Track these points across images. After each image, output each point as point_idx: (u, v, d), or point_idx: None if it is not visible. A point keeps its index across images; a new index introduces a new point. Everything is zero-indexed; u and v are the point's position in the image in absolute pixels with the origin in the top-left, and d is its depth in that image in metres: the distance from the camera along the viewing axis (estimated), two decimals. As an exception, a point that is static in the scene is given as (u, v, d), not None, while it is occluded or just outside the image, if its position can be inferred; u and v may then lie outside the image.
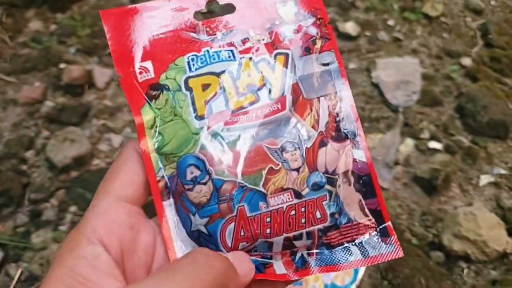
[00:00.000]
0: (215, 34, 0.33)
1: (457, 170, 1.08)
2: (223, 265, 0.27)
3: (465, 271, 0.94)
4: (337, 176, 0.32)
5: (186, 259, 0.27)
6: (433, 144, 1.11)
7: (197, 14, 0.33)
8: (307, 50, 0.33)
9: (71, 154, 1.06)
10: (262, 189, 0.31)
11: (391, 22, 1.36)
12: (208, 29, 0.33)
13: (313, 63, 0.33)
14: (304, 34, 0.34)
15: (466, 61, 1.27)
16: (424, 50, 1.31)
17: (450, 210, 1.01)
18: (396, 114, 1.17)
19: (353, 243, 0.33)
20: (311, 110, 0.33)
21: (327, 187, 0.32)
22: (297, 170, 0.32)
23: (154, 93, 0.32)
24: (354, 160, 0.33)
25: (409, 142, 1.12)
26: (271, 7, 0.33)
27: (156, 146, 0.31)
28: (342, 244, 0.33)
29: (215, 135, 0.31)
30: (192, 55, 0.32)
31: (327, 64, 0.34)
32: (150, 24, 0.32)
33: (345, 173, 0.33)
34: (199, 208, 0.31)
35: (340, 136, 0.33)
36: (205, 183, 0.31)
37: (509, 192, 1.05)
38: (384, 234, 0.33)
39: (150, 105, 0.32)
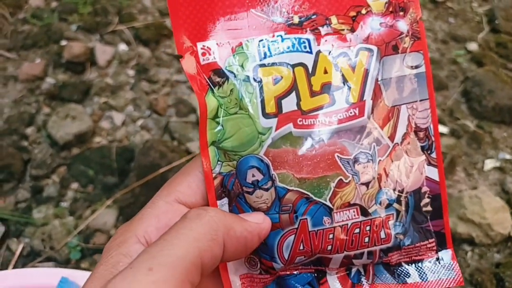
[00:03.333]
0: (291, 17, 0.28)
1: (462, 154, 1.07)
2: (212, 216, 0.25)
3: (469, 254, 0.94)
4: (407, 194, 0.29)
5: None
6: (439, 128, 1.10)
7: None
8: (395, 49, 0.29)
9: (73, 131, 1.05)
10: (328, 203, 0.28)
11: (397, 6, 1.34)
12: (284, 9, 0.28)
13: (399, 64, 0.29)
14: (393, 29, 0.29)
15: (472, 46, 1.26)
16: (430, 34, 1.30)
17: (455, 194, 1.01)
18: (401, 98, 1.16)
19: (412, 265, 0.30)
20: (391, 118, 0.29)
21: (395, 205, 0.29)
22: (367, 184, 0.28)
23: (218, 79, 0.28)
24: (427, 178, 0.30)
25: (415, 125, 1.11)
26: None
27: (215, 138, 0.28)
28: (400, 264, 0.30)
29: (283, 137, 0.28)
30: (263, 39, 0.28)
31: (415, 67, 0.29)
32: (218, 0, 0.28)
33: (416, 191, 0.30)
34: None
35: (416, 149, 0.29)
36: (267, 189, 0.28)
37: (513, 176, 1.05)
38: (445, 259, 0.31)
39: (213, 92, 0.28)
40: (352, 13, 0.28)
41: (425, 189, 0.30)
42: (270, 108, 0.28)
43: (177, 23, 0.27)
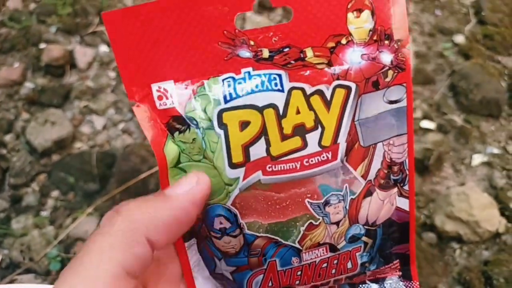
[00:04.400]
0: (260, 51, 0.25)
1: (449, 149, 1.06)
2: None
3: (457, 252, 0.93)
4: (376, 227, 0.29)
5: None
6: (426, 124, 1.09)
7: (239, 20, 0.25)
8: (375, 85, 0.26)
9: (52, 137, 1.02)
10: (297, 245, 0.27)
11: (383, -1, 1.32)
12: (252, 42, 0.25)
13: (379, 101, 0.26)
14: (376, 62, 0.26)
15: (459, 39, 1.24)
16: (416, 27, 1.28)
17: (443, 191, 0.99)
18: (387, 93, 1.14)
19: (375, 282, 0.31)
20: (365, 157, 0.27)
21: (364, 238, 0.29)
22: (337, 223, 0.28)
23: (178, 126, 0.25)
24: (397, 208, 0.29)
25: (401, 121, 1.10)
26: (340, 15, 0.25)
27: None
28: (364, 282, 0.30)
29: (251, 186, 0.26)
30: (229, 77, 0.25)
31: (395, 102, 0.27)
32: (172, 28, 0.24)
33: (385, 222, 0.29)
34: (226, 257, 0.28)
35: (388, 183, 0.28)
36: (235, 236, 0.27)
37: (501, 171, 1.03)
38: (406, 277, 0.30)
39: (173, 138, 0.25)
40: (331, 44, 0.25)
41: (394, 218, 0.29)
42: (237, 157, 0.25)
43: (124, 65, 0.23)
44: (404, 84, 0.26)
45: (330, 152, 0.26)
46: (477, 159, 1.05)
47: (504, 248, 0.92)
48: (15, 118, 1.10)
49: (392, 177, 0.28)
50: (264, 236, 0.27)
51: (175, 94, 0.24)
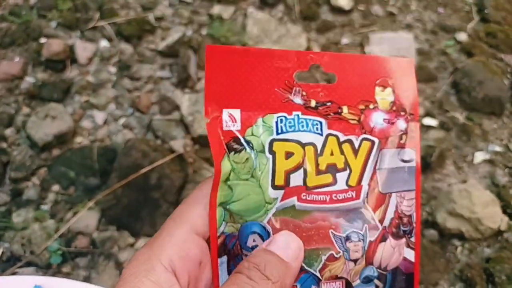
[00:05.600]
0: (309, 101, 0.31)
1: (451, 147, 1.05)
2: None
3: (459, 249, 0.93)
4: (387, 272, 0.33)
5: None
6: (428, 121, 1.08)
7: (298, 75, 0.32)
8: (392, 143, 0.32)
9: (53, 132, 1.02)
10: (318, 274, 0.31)
11: (385, -4, 1.31)
12: (304, 93, 0.31)
13: (395, 157, 0.33)
14: (394, 126, 0.32)
15: (462, 37, 1.24)
16: (419, 25, 1.27)
17: (444, 188, 0.99)
18: (390, 90, 1.14)
19: None
20: (382, 203, 0.32)
21: (376, 281, 0.32)
22: (355, 261, 0.32)
23: (235, 146, 0.30)
24: (404, 258, 0.33)
25: (403, 118, 1.09)
26: (370, 87, 0.32)
27: (223, 199, 0.30)
28: None
29: (286, 208, 0.31)
30: (282, 116, 0.31)
31: (407, 161, 0.33)
32: (251, 70, 0.31)
33: (394, 270, 0.33)
34: None
35: (398, 233, 0.33)
36: None
37: (504, 169, 1.03)
38: None
39: (229, 157, 0.30)
40: (362, 106, 0.32)
41: (401, 268, 0.33)
42: (279, 180, 0.30)
43: (209, 88, 0.30)
44: (414, 149, 0.33)
45: (354, 192, 0.31)
46: (479, 156, 1.05)
47: (506, 246, 0.92)
48: (16, 112, 1.09)
49: (402, 227, 0.33)
50: None
51: (239, 120, 0.30)
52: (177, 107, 1.10)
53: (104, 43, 1.22)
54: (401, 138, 0.33)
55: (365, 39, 1.22)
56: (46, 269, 0.86)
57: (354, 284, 0.32)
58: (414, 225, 0.33)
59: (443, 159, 1.03)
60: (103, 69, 1.18)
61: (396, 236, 0.32)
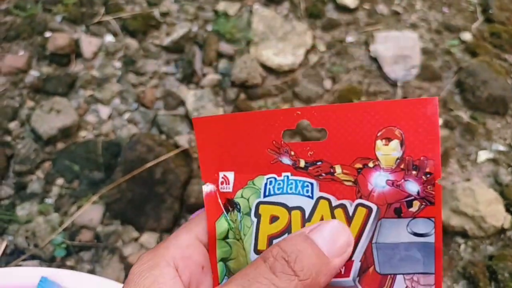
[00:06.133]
0: (298, 160, 0.28)
1: (455, 146, 1.06)
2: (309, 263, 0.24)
3: (462, 246, 0.93)
4: None
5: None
6: (432, 119, 1.09)
7: (285, 133, 0.30)
8: (397, 212, 0.26)
9: (57, 125, 1.02)
10: None
11: (390, -5, 1.32)
12: (292, 152, 0.29)
13: (401, 229, 0.26)
14: (400, 189, 0.26)
15: (466, 36, 1.24)
16: (424, 24, 1.27)
17: (448, 186, 0.99)
18: (394, 89, 1.14)
19: None
20: (382, 287, 0.26)
21: None
22: None
23: (229, 207, 0.30)
24: None
25: (407, 117, 1.10)
26: (369, 141, 0.26)
27: (224, 255, 0.30)
28: None
29: None
30: (271, 178, 0.29)
31: (421, 235, 0.25)
32: (240, 135, 0.30)
33: None
34: None
35: None
36: None
37: (507, 168, 1.03)
38: None
39: (226, 216, 0.30)
40: (358, 165, 0.27)
41: None
42: (262, 245, 0.28)
43: (203, 156, 0.30)
44: (433, 219, 0.25)
45: (344, 267, 0.26)
46: (483, 155, 1.05)
47: (509, 244, 0.92)
48: (20, 106, 1.09)
49: None
50: None
51: (232, 182, 0.30)
52: (182, 103, 1.10)
53: (109, 38, 1.22)
54: (410, 205, 0.26)
55: (370, 38, 1.22)
56: (50, 262, 0.86)
57: None
58: None
59: (447, 158, 1.03)
60: (108, 64, 1.18)
61: None
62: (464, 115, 1.11)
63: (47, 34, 1.22)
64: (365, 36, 1.24)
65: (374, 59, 1.19)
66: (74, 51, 1.18)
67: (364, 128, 0.27)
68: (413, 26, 1.26)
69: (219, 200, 0.30)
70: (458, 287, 0.88)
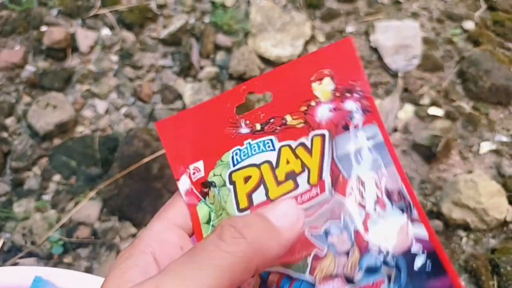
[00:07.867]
0: (254, 126, 0.33)
1: (457, 137, 1.04)
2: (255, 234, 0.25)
3: (464, 239, 0.92)
4: (394, 257, 0.28)
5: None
6: (433, 110, 1.07)
7: (237, 109, 0.33)
8: (345, 128, 0.31)
9: (54, 121, 1.01)
10: (308, 278, 0.29)
11: (391, -16, 1.29)
12: (248, 121, 0.33)
13: (353, 139, 0.31)
14: (341, 110, 0.31)
15: (468, 25, 1.22)
16: (425, 13, 1.25)
17: (450, 178, 0.98)
18: (395, 79, 1.12)
19: None
20: (354, 189, 0.30)
21: (384, 269, 0.28)
22: (346, 253, 0.29)
23: (205, 190, 0.33)
24: (416, 238, 0.29)
25: (409, 108, 1.08)
26: (307, 87, 0.32)
27: None
28: None
29: None
30: (236, 149, 0.33)
31: (371, 139, 0.31)
32: (201, 126, 0.33)
33: (406, 253, 0.29)
34: None
35: (393, 212, 0.30)
36: (252, 275, 0.29)
37: (510, 159, 1.01)
38: None
39: (205, 201, 0.33)
40: (303, 108, 0.32)
41: (415, 249, 0.29)
42: (243, 203, 0.31)
43: (171, 155, 0.33)
44: (375, 123, 0.31)
45: (318, 187, 0.30)
46: (485, 146, 1.03)
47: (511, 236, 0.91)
48: (16, 101, 1.08)
49: (395, 205, 0.30)
50: (276, 272, 0.30)
51: (202, 169, 0.33)
52: (179, 96, 1.08)
53: (105, 31, 1.21)
54: (353, 119, 0.31)
55: (370, 28, 1.20)
56: (47, 259, 0.86)
57: (356, 278, 0.29)
58: (408, 198, 0.30)
59: (449, 149, 1.01)
60: (104, 58, 1.16)
61: (391, 217, 0.29)
62: (466, 105, 1.08)
63: (43, 28, 1.20)
64: (365, 26, 1.21)
65: (375, 50, 1.17)
66: (70, 45, 1.17)
67: (299, 79, 0.32)
68: (414, 15, 1.24)
69: (195, 191, 0.32)
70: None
